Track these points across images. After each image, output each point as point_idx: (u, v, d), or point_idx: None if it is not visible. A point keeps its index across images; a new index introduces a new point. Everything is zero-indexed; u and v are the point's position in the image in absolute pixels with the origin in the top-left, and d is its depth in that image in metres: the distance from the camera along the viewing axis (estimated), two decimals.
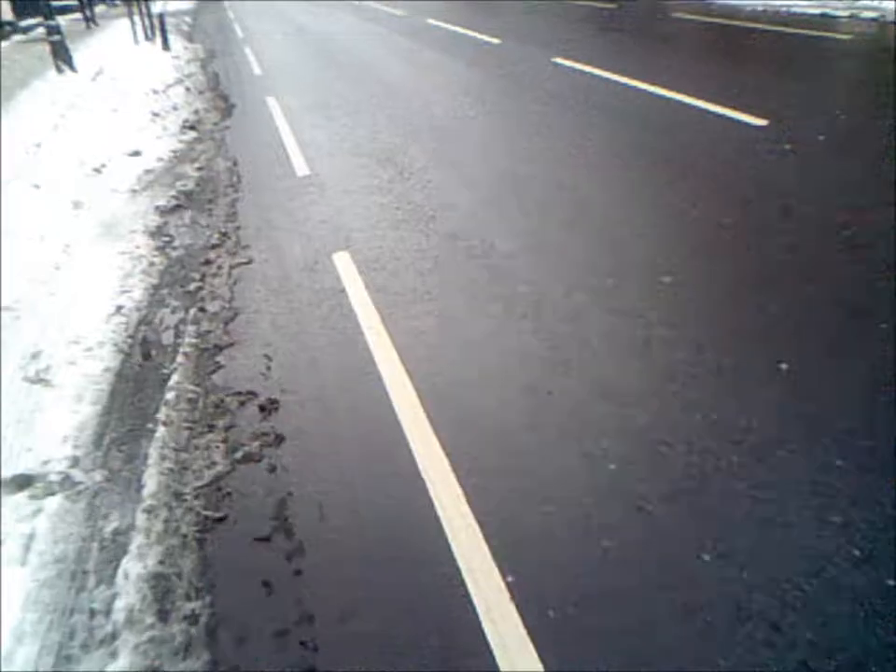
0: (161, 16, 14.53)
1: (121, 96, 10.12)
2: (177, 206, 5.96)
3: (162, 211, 5.85)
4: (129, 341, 3.71)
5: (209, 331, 3.70)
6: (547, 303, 3.48)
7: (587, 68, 8.63)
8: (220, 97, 9.88)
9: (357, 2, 21.80)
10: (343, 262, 4.22)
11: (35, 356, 3.55)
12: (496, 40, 11.27)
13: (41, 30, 22.80)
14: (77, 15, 23.39)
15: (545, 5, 15.47)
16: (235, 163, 6.81)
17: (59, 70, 11.08)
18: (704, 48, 9.70)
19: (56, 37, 10.89)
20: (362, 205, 5.22)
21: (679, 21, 11.92)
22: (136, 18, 15.66)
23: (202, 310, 3.94)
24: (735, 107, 6.35)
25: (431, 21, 14.39)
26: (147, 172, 6.81)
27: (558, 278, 3.73)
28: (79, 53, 14.60)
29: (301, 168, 6.32)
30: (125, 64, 12.73)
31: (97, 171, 6.86)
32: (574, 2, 15.37)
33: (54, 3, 25.49)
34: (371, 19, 17.15)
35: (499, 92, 8.10)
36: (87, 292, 4.22)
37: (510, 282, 3.74)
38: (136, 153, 7.35)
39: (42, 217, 5.57)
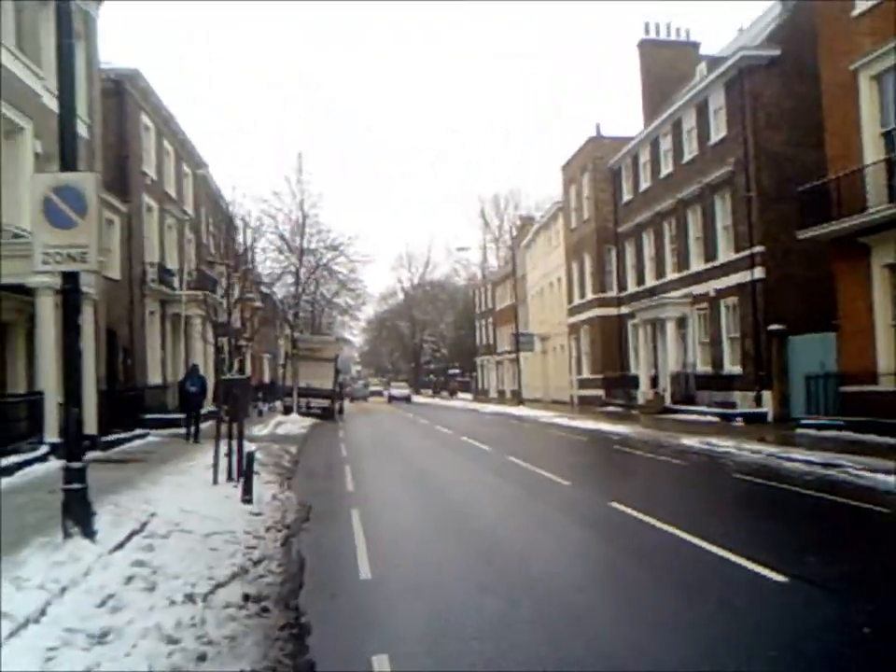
0: (249, 455, 11.25)
1: (132, 600, 6.07)
2: None
3: None
4: None
5: None
6: None
7: None
8: (293, 632, 5.60)
9: (490, 450, 18.75)
10: None
11: None
12: (772, 574, 6.76)
13: (133, 444, 20.82)
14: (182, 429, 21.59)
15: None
16: None
17: (66, 534, 7.27)
18: None
19: (74, 486, 7.25)
20: None
21: None
22: (227, 444, 12.56)
23: None
24: None
25: (616, 505, 10.31)
26: None
27: None
28: (136, 490, 11.36)
29: None
30: (179, 522, 9.05)
31: None
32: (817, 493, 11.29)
33: (151, 415, 24.58)
34: (524, 484, 13.54)
35: None
36: None
37: None
38: None
39: None
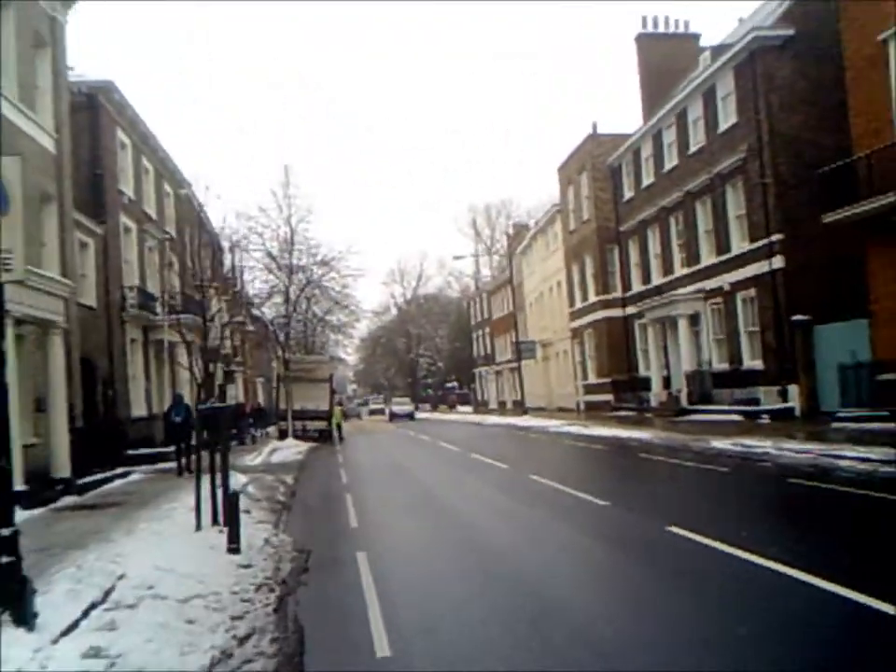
0: (234, 496, 9.62)
1: None
2: None
3: None
4: None
5: None
6: None
7: None
8: None
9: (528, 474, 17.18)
10: None
11: None
12: None
13: (114, 484, 19.07)
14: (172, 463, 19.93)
15: None
16: None
17: None
18: None
19: (1, 560, 5.60)
20: None
21: None
22: (212, 482, 10.90)
23: None
24: None
25: (675, 529, 8.67)
26: None
27: None
28: (106, 544, 9.71)
29: None
30: (153, 584, 7.42)
31: None
32: None
33: (136, 451, 22.82)
34: (556, 507, 11.92)
35: None
36: None
37: None
38: None
39: None
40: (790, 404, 23.10)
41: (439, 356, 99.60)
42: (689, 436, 20.72)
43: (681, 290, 29.26)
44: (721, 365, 27.59)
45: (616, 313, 36.73)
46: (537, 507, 11.65)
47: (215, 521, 10.64)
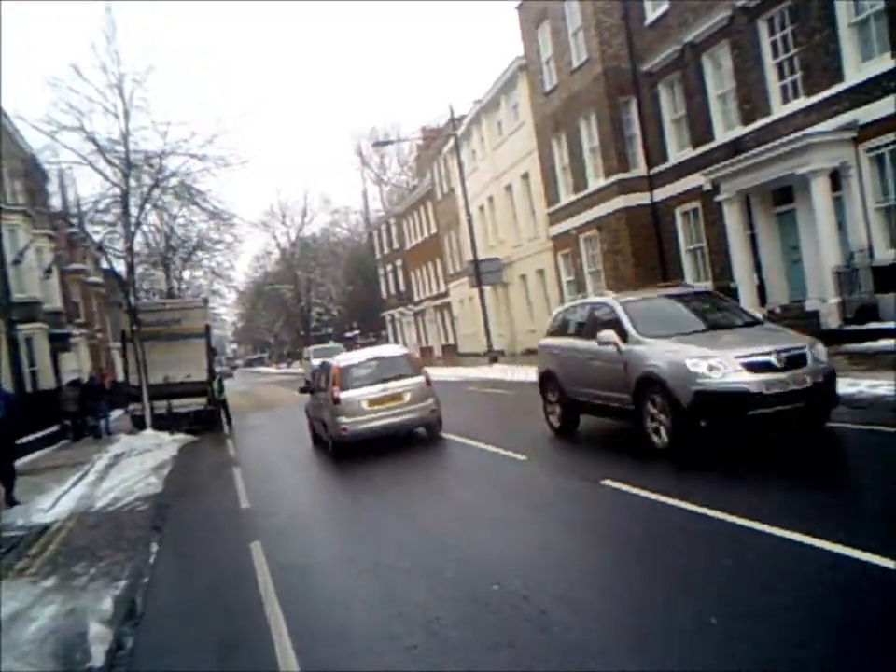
0: None
1: None
2: None
3: None
4: None
5: None
6: None
7: None
8: None
9: None
10: None
11: None
12: None
13: None
14: None
15: None
16: None
17: None
18: None
19: None
20: None
21: None
22: None
23: None
24: None
25: None
26: None
27: None
28: None
29: None
30: None
31: None
32: None
33: None
34: None
35: None
36: None
37: None
38: None
39: None
40: None
41: (332, 302, 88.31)
42: None
43: (795, 136, 17.90)
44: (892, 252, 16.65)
45: (640, 199, 25.22)
46: None
47: None
